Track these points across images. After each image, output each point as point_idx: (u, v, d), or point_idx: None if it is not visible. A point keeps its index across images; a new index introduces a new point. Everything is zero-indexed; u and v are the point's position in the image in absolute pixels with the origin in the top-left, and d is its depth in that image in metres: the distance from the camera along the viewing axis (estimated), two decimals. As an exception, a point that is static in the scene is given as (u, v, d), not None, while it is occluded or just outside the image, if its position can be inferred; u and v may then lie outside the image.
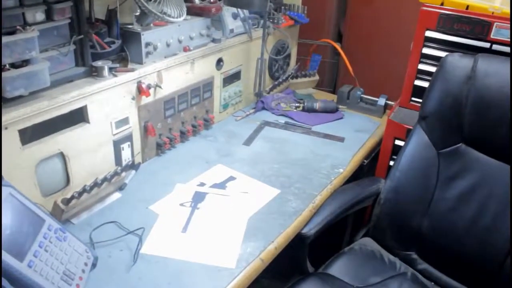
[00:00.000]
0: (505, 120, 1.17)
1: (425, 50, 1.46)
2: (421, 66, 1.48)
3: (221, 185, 1.33)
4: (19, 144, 1.03)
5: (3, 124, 0.97)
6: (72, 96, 1.11)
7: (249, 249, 1.07)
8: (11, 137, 1.00)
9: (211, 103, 1.65)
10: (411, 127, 1.40)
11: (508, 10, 1.40)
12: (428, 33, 1.43)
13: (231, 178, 1.37)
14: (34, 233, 0.86)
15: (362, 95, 1.87)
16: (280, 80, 1.95)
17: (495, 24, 1.37)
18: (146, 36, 1.31)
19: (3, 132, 0.98)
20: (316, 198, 1.28)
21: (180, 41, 1.43)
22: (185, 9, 1.38)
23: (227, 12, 1.64)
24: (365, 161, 1.57)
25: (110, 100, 1.23)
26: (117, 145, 1.29)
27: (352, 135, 1.66)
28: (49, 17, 1.07)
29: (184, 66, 1.46)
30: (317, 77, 2.08)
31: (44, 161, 1.10)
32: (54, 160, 1.13)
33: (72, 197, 1.07)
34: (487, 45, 1.40)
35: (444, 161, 1.29)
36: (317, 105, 1.82)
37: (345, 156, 1.51)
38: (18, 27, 0.98)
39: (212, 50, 1.55)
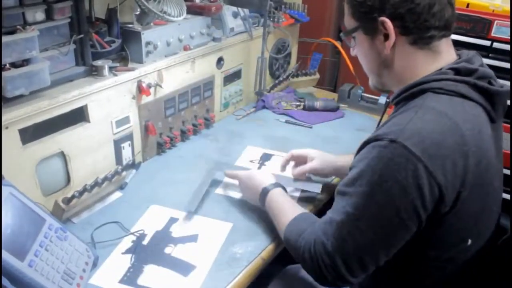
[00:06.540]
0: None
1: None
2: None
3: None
4: (19, 143, 1.03)
5: (3, 123, 0.97)
6: (73, 96, 1.11)
7: (250, 248, 1.07)
8: (11, 137, 1.00)
9: (211, 102, 1.65)
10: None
11: (509, 8, 1.40)
12: (429, 31, 1.43)
13: (232, 177, 1.36)
14: (35, 232, 0.86)
15: (362, 94, 1.87)
16: (281, 78, 1.94)
17: (495, 22, 1.37)
18: (146, 35, 1.31)
19: (4, 131, 0.98)
20: (318, 196, 1.28)
21: (180, 40, 1.43)
22: (185, 8, 1.38)
23: (228, 11, 1.63)
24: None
25: (111, 99, 1.23)
26: (117, 144, 1.29)
27: (353, 134, 1.66)
28: (49, 16, 1.07)
29: (185, 65, 1.46)
30: (317, 76, 2.07)
31: (45, 161, 1.10)
32: (54, 159, 1.13)
33: (73, 197, 1.08)
34: (487, 43, 1.40)
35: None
36: (317, 104, 1.82)
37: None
38: (18, 26, 0.98)
39: (212, 49, 1.55)
